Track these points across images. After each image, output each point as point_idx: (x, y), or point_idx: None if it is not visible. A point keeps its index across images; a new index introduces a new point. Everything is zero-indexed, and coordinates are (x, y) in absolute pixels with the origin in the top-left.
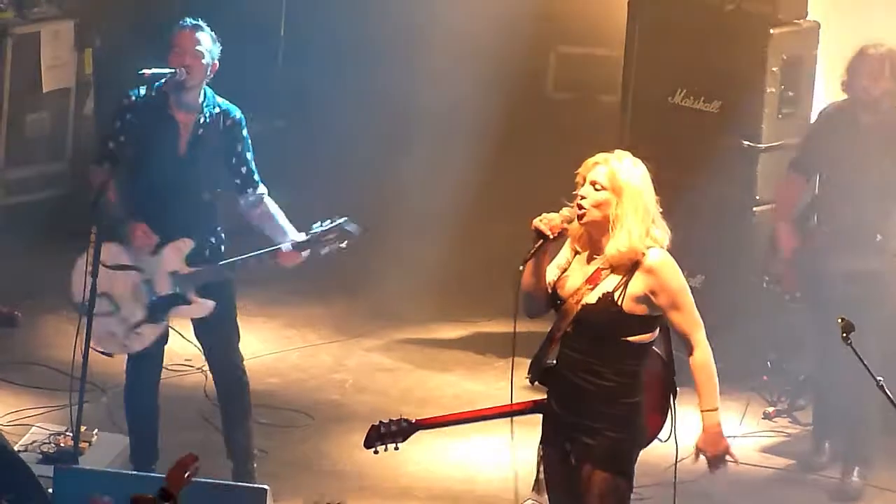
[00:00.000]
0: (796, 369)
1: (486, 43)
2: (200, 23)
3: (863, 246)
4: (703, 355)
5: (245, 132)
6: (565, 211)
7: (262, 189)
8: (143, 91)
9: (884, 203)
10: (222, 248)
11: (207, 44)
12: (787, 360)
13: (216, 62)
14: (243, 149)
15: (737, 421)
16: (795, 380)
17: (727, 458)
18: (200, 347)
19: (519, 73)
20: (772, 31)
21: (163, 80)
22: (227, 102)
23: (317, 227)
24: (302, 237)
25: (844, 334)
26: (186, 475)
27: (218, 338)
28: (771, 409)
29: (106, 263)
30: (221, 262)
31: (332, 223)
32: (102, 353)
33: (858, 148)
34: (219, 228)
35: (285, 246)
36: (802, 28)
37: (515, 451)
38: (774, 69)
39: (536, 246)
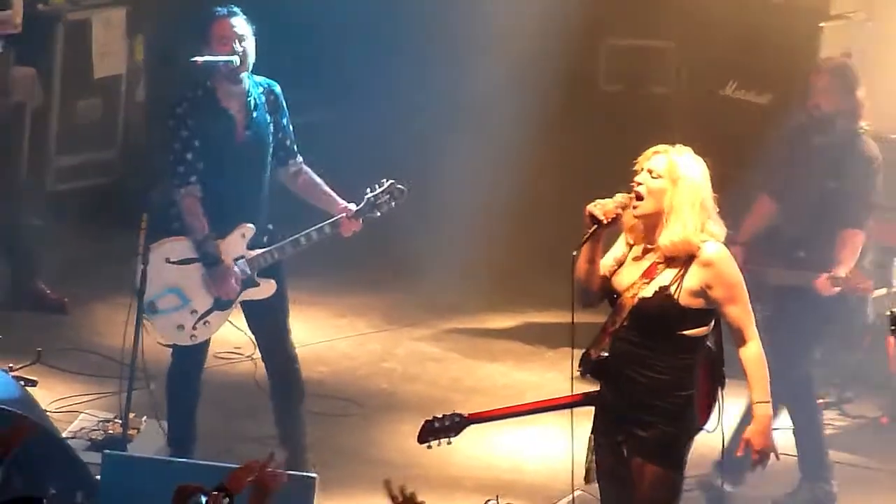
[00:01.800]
0: (845, 362)
1: (536, 36)
2: (234, 8)
3: (792, 264)
4: (756, 348)
5: (284, 104)
6: (619, 197)
7: (300, 157)
8: (190, 94)
9: (818, 224)
10: (274, 230)
11: (245, 27)
12: (834, 353)
13: (255, 43)
14: (287, 121)
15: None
16: (843, 372)
17: (771, 453)
18: (252, 335)
19: (569, 65)
20: (822, 24)
21: (204, 85)
22: (264, 78)
23: (370, 193)
24: (355, 206)
25: (893, 327)
26: (251, 479)
27: (271, 324)
28: (819, 402)
29: (171, 260)
30: (285, 240)
31: (381, 186)
32: (166, 345)
33: (807, 169)
34: (268, 214)
35: (343, 215)
36: (852, 22)
37: (571, 443)
38: None
39: (591, 231)
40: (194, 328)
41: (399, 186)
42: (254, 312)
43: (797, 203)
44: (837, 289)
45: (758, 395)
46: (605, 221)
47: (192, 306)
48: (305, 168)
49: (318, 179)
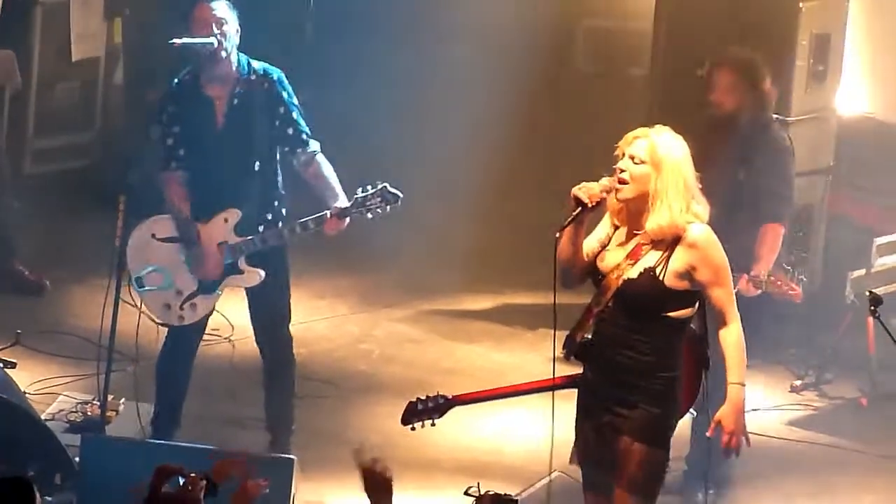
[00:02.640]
0: (824, 343)
1: (515, 18)
2: None
3: None
4: (737, 329)
5: (285, 92)
6: (605, 181)
7: (313, 146)
8: (173, 79)
9: (733, 220)
10: (280, 222)
11: (226, 11)
12: (814, 334)
13: (238, 27)
14: (287, 109)
15: (762, 393)
16: (823, 353)
17: (742, 437)
18: (251, 320)
19: (547, 47)
20: (801, 5)
21: (187, 70)
22: (265, 64)
23: (360, 193)
24: (345, 204)
25: (872, 308)
26: (234, 472)
27: (271, 309)
28: (798, 383)
29: (158, 237)
30: (266, 231)
31: (374, 188)
32: (161, 324)
33: (717, 164)
34: (277, 203)
35: (329, 213)
36: (831, 2)
37: (552, 424)
38: (804, 43)
39: (574, 214)
40: (181, 309)
41: (392, 191)
42: (255, 296)
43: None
44: (759, 291)
45: (733, 377)
46: (590, 205)
47: (177, 287)
48: (318, 158)
49: (327, 172)
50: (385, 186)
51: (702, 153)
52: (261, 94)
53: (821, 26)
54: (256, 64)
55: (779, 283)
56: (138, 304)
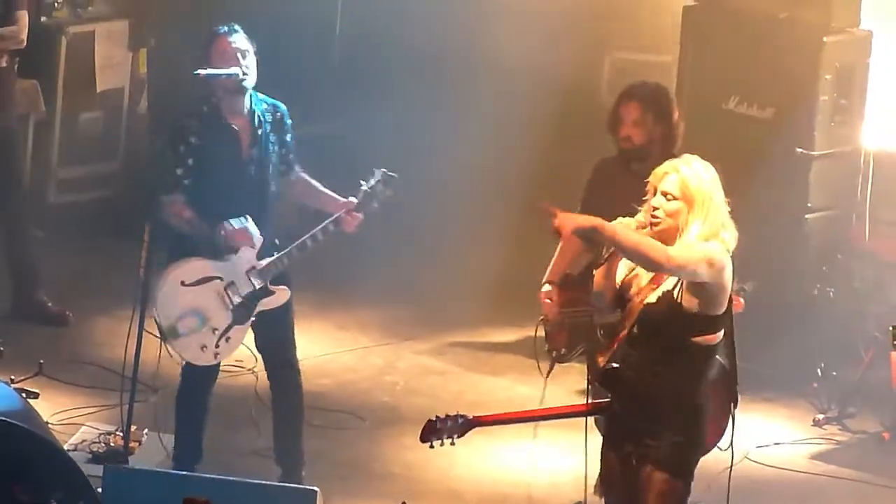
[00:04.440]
0: (846, 376)
1: (541, 49)
2: (234, 26)
3: None
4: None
5: (290, 121)
6: (640, 216)
7: (297, 167)
8: (195, 110)
9: None
10: (280, 244)
11: (245, 42)
12: (837, 368)
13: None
14: (291, 138)
15: (785, 427)
16: (845, 387)
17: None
18: (257, 344)
19: (573, 78)
20: (825, 39)
21: (209, 101)
22: (269, 98)
23: (364, 186)
24: (353, 200)
25: (895, 342)
26: None
27: (277, 334)
28: (821, 416)
29: (186, 282)
30: (291, 246)
31: (374, 177)
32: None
33: (632, 195)
34: (275, 225)
35: (343, 212)
36: (855, 37)
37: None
38: (828, 77)
39: (611, 251)
40: (217, 346)
41: (390, 174)
42: (262, 324)
43: None
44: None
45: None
46: None
47: (212, 325)
48: (302, 175)
49: (314, 182)
50: (384, 171)
51: (615, 190)
52: (275, 123)
53: (845, 60)
54: (262, 96)
55: None
56: (171, 354)
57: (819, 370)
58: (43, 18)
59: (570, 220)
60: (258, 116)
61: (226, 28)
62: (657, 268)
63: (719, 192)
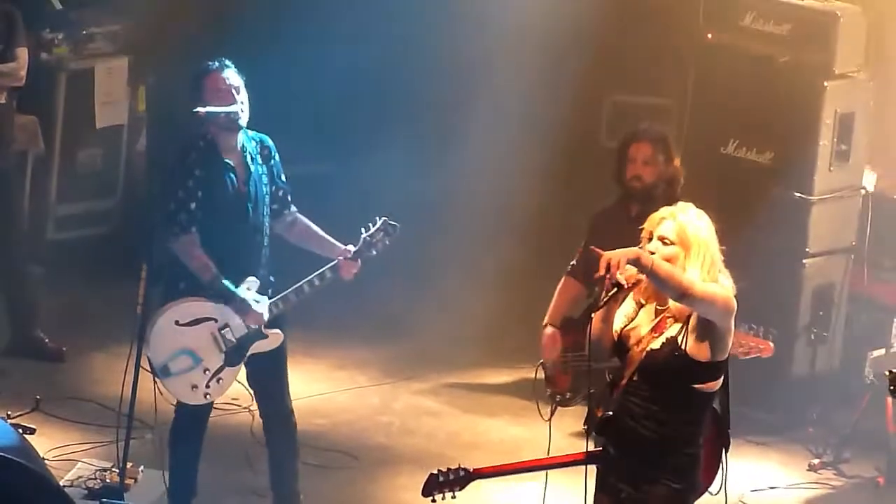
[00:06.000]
0: (842, 421)
1: (540, 90)
2: (225, 61)
3: None
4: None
5: (278, 155)
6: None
7: (294, 207)
8: (196, 145)
9: None
10: (275, 282)
11: (238, 80)
12: (833, 412)
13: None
14: (280, 172)
15: (779, 471)
16: (841, 432)
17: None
18: (251, 386)
19: (572, 120)
20: (826, 83)
21: (207, 133)
22: (254, 132)
23: (364, 234)
24: (352, 247)
25: (892, 387)
26: None
27: (272, 376)
28: (816, 461)
29: (181, 322)
30: (289, 290)
31: (375, 225)
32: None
33: (628, 241)
34: (270, 264)
35: (341, 258)
36: (856, 81)
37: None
38: (828, 122)
39: (610, 294)
40: (207, 387)
41: (391, 223)
42: (256, 365)
43: None
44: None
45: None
46: (626, 286)
47: (204, 365)
48: (300, 217)
49: (314, 226)
50: (385, 220)
51: (614, 237)
52: (263, 159)
53: (845, 105)
54: (250, 132)
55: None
56: (161, 388)
57: (815, 414)
58: (43, 55)
59: (618, 254)
60: (249, 152)
61: (217, 63)
62: (686, 294)
63: (714, 240)
